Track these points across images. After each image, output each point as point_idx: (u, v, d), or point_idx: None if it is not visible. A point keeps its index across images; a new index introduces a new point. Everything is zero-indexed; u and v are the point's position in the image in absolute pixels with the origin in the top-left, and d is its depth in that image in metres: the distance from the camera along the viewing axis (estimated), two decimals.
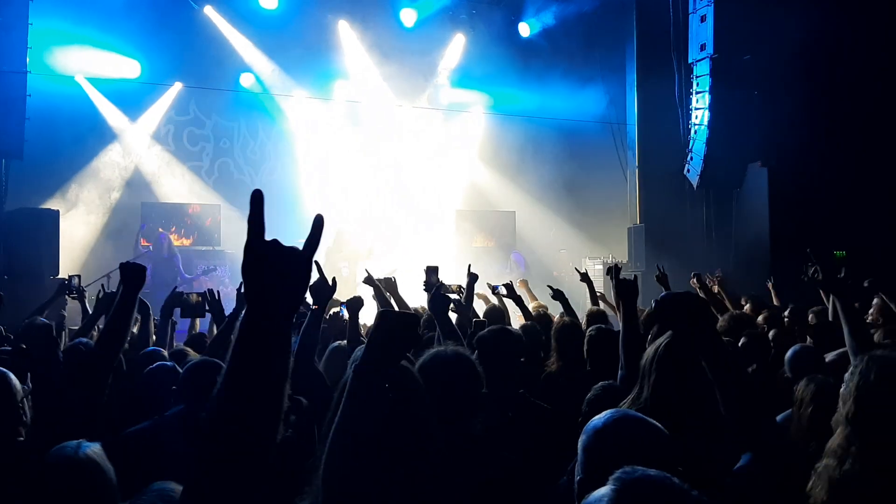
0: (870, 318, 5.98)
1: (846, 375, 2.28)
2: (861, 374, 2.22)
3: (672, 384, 2.48)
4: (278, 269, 1.23)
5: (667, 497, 1.26)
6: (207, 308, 5.28)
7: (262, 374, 1.20)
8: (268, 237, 1.25)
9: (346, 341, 4.27)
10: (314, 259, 1.29)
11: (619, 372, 3.37)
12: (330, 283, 3.83)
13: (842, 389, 2.29)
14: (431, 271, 4.86)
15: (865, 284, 5.67)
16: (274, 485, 1.22)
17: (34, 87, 9.86)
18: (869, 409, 2.14)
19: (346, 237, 12.23)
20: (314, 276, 4.70)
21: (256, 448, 1.18)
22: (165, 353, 4.44)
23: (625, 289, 3.54)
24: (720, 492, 2.10)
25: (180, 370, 3.49)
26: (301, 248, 1.27)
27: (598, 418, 1.80)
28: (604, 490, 1.30)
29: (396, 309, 5.29)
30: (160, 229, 11.83)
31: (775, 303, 7.19)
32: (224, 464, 1.16)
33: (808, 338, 4.95)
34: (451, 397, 2.39)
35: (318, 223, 1.30)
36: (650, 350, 2.62)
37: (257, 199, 1.23)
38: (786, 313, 6.06)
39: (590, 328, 4.36)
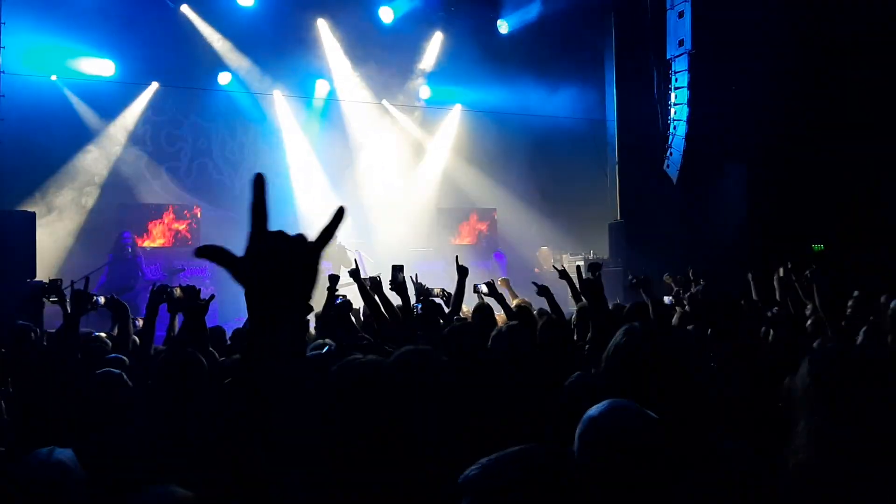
0: (849, 311, 6.02)
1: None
2: (801, 368, 2.36)
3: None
4: (285, 263, 1.10)
5: (513, 479, 1.35)
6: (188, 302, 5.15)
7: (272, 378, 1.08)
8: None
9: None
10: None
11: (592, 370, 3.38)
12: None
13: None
14: (397, 270, 4.86)
15: (807, 273, 5.69)
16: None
17: (7, 87, 9.73)
18: (806, 400, 2.26)
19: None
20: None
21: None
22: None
23: (589, 288, 3.54)
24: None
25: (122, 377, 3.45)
26: (310, 238, 1.15)
27: (596, 408, 1.86)
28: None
29: (382, 309, 5.25)
30: (125, 231, 11.61)
31: (754, 297, 7.19)
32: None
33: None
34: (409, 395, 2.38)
35: (339, 216, 1.16)
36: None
37: (260, 184, 1.11)
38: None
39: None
